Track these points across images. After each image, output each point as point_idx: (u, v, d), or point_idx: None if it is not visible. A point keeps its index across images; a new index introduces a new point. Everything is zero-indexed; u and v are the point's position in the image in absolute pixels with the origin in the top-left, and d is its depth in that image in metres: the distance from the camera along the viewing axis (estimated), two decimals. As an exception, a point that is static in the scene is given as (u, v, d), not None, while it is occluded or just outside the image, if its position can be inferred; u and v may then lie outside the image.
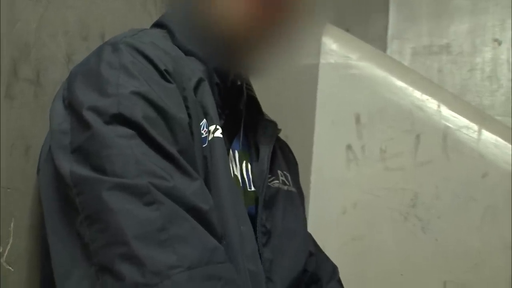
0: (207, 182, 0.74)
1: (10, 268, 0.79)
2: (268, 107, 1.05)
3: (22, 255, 0.82)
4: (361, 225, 1.59)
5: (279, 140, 1.05)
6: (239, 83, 0.91)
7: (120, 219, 0.61)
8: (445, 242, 1.50)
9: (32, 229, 0.82)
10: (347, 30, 1.95)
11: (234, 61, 0.86)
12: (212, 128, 0.78)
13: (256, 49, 0.85)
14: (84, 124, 0.67)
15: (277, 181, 0.94)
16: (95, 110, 0.67)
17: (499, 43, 2.26)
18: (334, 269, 1.12)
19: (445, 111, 1.54)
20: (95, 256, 0.62)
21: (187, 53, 0.84)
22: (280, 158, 1.01)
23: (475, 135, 1.51)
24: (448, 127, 1.53)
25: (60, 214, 0.68)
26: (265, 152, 0.91)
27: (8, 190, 0.78)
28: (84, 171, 0.65)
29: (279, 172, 0.96)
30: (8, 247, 0.79)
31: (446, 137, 1.52)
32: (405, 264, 1.53)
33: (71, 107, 0.71)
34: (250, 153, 0.91)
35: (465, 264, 1.47)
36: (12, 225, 0.79)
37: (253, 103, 0.98)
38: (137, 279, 0.59)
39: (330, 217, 1.59)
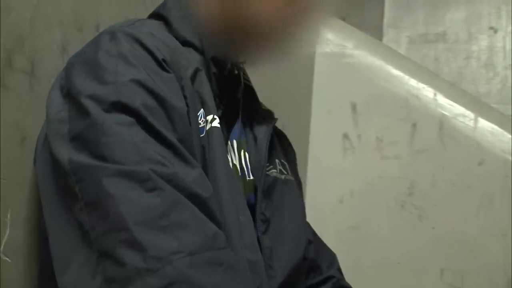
0: (205, 171, 0.74)
1: (8, 259, 0.79)
2: (264, 97, 1.05)
3: (20, 246, 0.81)
4: (357, 214, 1.59)
5: (276, 129, 1.05)
6: (236, 72, 0.90)
7: (121, 205, 0.61)
8: (442, 230, 1.50)
9: (29, 219, 0.82)
10: (343, 19, 1.95)
11: (232, 50, 0.86)
12: (209, 118, 0.78)
13: (256, 39, 0.85)
14: (83, 112, 0.67)
15: (275, 170, 0.94)
16: (94, 98, 0.67)
17: (495, 31, 2.26)
18: (332, 256, 1.12)
19: (441, 99, 1.55)
20: (96, 242, 0.62)
21: (184, 43, 0.84)
22: (278, 147, 1.01)
23: (471, 123, 1.51)
24: (444, 115, 1.53)
25: (59, 202, 0.68)
26: (263, 141, 0.91)
27: (4, 181, 0.78)
28: (83, 159, 0.65)
29: (276, 161, 0.96)
30: (5, 238, 0.79)
31: (442, 125, 1.53)
32: (402, 252, 1.54)
33: (70, 95, 0.71)
34: (248, 142, 0.91)
35: (461, 252, 1.48)
36: (9, 216, 0.79)
37: (250, 93, 0.98)
38: (138, 264, 0.59)
39: (327, 206, 1.60)
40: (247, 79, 0.97)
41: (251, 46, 0.86)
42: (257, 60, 0.92)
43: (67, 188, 0.66)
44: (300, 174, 1.12)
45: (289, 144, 1.10)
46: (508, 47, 2.22)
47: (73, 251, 0.65)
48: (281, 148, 1.03)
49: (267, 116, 0.97)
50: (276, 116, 1.01)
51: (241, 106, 0.92)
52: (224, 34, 0.84)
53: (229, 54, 0.87)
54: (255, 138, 0.92)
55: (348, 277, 1.11)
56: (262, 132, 0.92)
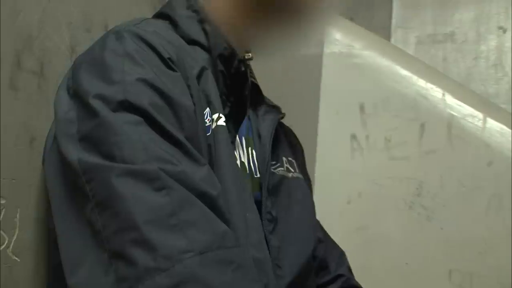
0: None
1: (17, 258, 0.79)
2: (272, 98, 1.05)
3: (28, 246, 0.82)
4: (366, 215, 1.59)
5: (283, 126, 1.04)
6: (243, 69, 0.91)
7: (131, 205, 0.61)
8: (450, 231, 1.50)
9: (38, 219, 0.83)
10: (351, 19, 1.95)
11: (244, 38, 0.87)
12: (215, 116, 0.78)
13: (262, 30, 0.86)
14: (91, 112, 0.67)
15: (282, 168, 0.94)
16: (102, 98, 0.67)
17: (504, 31, 2.25)
18: (341, 255, 1.12)
19: (450, 100, 1.54)
20: (107, 242, 0.62)
21: (190, 42, 0.84)
22: (285, 144, 1.01)
23: (480, 124, 1.50)
24: (453, 115, 1.52)
25: (68, 202, 0.69)
26: (266, 138, 0.91)
27: (13, 181, 0.79)
28: (92, 159, 0.65)
29: (283, 158, 0.96)
30: (14, 237, 0.79)
31: (450, 125, 1.52)
32: (410, 253, 1.53)
33: (77, 96, 0.71)
34: (254, 139, 0.92)
35: (470, 253, 1.47)
36: (17, 216, 0.79)
37: (256, 90, 0.98)
38: (149, 263, 0.59)
39: (335, 206, 1.59)
40: (252, 76, 0.97)
41: (264, 30, 0.87)
42: (266, 49, 0.92)
43: (77, 188, 0.66)
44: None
45: (297, 142, 1.10)
46: (517, 47, 2.22)
47: (84, 251, 0.65)
48: (288, 145, 1.03)
49: (271, 112, 0.97)
50: (283, 114, 1.01)
51: (249, 103, 0.92)
52: (238, 17, 0.85)
53: (240, 43, 0.87)
54: (259, 135, 0.92)
55: (356, 278, 1.11)
56: (266, 128, 0.92)
